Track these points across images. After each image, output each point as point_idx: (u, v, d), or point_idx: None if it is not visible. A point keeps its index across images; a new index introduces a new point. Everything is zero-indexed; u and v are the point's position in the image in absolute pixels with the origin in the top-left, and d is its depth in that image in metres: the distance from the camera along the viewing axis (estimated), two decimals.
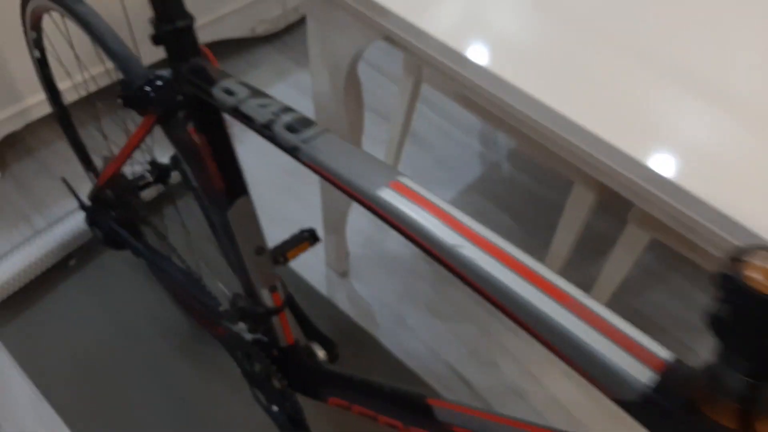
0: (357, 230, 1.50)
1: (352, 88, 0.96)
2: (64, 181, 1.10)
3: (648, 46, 0.68)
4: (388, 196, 0.46)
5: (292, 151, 0.53)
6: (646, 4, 0.73)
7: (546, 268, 0.40)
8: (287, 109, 0.55)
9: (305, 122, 0.54)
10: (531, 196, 1.59)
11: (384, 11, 0.70)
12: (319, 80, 0.97)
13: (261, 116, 0.55)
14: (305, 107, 1.70)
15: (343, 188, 0.49)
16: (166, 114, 0.74)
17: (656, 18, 0.71)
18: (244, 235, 0.78)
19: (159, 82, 0.73)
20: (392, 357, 1.31)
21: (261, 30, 1.81)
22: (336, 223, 1.27)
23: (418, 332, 1.34)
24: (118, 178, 0.99)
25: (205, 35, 1.67)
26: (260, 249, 0.80)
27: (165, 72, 0.75)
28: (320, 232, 1.34)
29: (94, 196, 1.02)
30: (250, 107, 0.57)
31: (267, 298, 0.84)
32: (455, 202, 1.58)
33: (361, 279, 1.42)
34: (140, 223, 1.02)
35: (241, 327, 0.87)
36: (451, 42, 0.66)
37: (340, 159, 0.50)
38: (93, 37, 0.79)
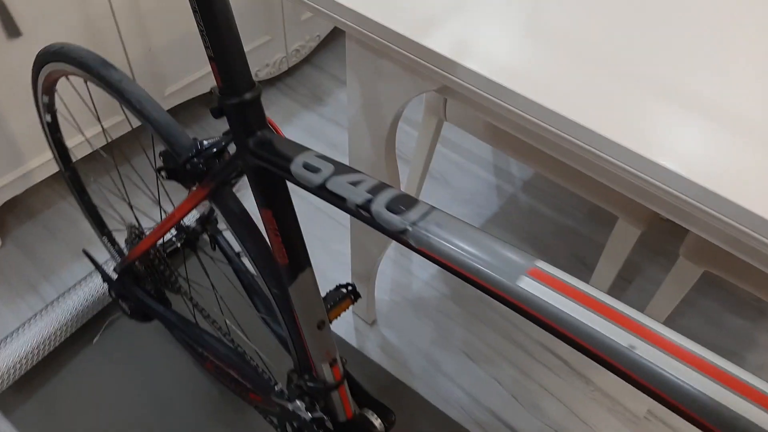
0: (381, 274, 1.44)
1: (391, 141, 0.92)
2: (86, 254, 1.03)
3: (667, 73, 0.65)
4: (530, 287, 0.41)
5: (399, 236, 0.48)
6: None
7: (744, 371, 0.35)
8: (382, 186, 0.51)
9: (407, 200, 0.49)
10: (553, 226, 1.56)
11: (452, 63, 0.66)
12: (359, 134, 0.92)
13: (355, 196, 0.50)
14: (320, 150, 1.66)
15: (469, 278, 0.44)
16: (220, 187, 0.69)
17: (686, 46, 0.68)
18: (306, 311, 0.73)
19: (210, 153, 0.67)
20: (431, 407, 1.25)
21: (263, 74, 1.76)
22: (367, 272, 1.22)
23: (455, 378, 1.29)
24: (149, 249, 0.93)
25: (207, 85, 1.62)
26: (321, 323, 0.75)
27: (213, 140, 0.70)
28: (347, 280, 1.29)
29: (123, 269, 0.95)
30: (340, 185, 0.52)
31: (327, 373, 0.79)
32: None
33: (391, 326, 1.37)
34: (174, 293, 0.96)
35: (297, 405, 0.81)
36: (512, 85, 0.62)
37: (462, 244, 0.45)
38: (129, 106, 0.73)
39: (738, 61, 0.68)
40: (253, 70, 1.73)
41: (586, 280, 1.44)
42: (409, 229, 0.47)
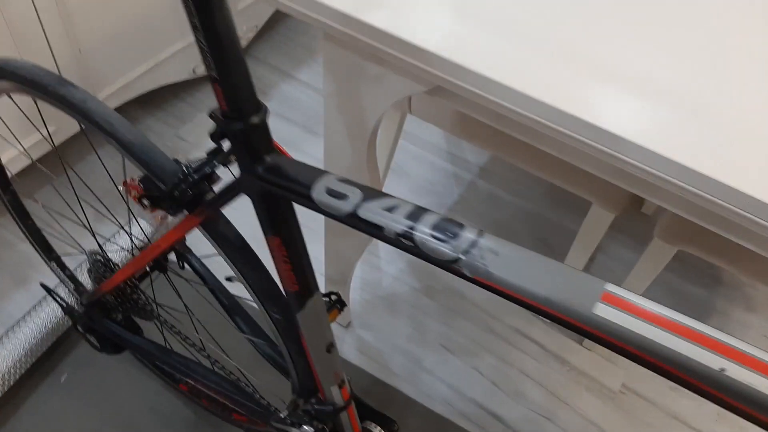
0: None
1: (372, 145, 0.88)
2: (45, 287, 0.93)
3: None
4: (607, 314, 0.40)
5: (449, 265, 0.45)
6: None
7: None
8: (420, 210, 0.47)
9: (452, 225, 0.46)
10: (514, 210, 1.57)
11: (453, 65, 0.63)
12: (337, 140, 0.88)
13: (394, 224, 0.47)
14: None
15: (538, 308, 0.42)
16: (214, 214, 0.63)
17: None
18: (315, 335, 0.68)
19: (199, 177, 0.61)
20: (416, 404, 1.24)
21: (202, 70, 1.66)
22: (343, 277, 1.18)
23: (436, 373, 1.28)
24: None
25: (144, 85, 1.51)
26: (330, 345, 0.71)
27: (198, 162, 0.63)
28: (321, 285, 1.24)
29: (91, 302, 0.86)
30: (374, 212, 0.48)
31: (336, 395, 0.75)
32: None
33: (366, 326, 1.34)
34: (149, 320, 0.88)
35: (305, 430, 0.77)
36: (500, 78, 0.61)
37: (524, 272, 0.42)
38: (96, 128, 0.65)
39: (695, 42, 0.69)
40: (190, 66, 1.63)
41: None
42: (462, 258, 0.44)
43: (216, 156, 0.60)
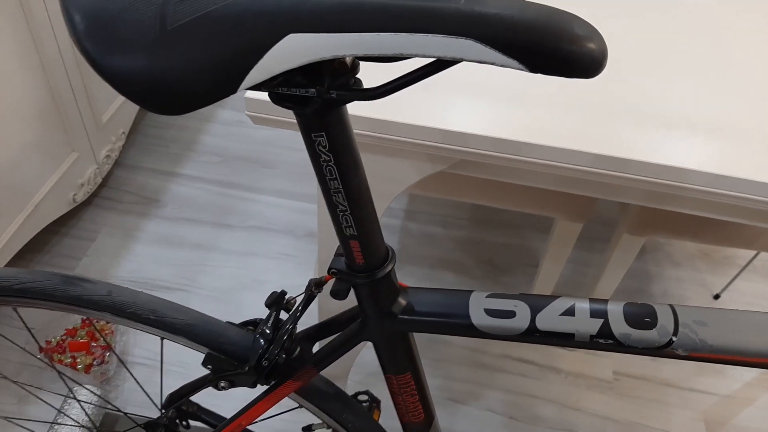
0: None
1: None
2: None
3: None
4: None
5: (662, 351, 0.44)
6: None
7: None
8: (598, 302, 0.46)
9: (640, 308, 0.45)
10: (450, 242, 1.59)
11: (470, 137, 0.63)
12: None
13: (584, 326, 0.44)
14: (195, 257, 1.45)
15: (762, 363, 0.42)
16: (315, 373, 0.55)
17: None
18: None
19: (284, 339, 0.54)
20: None
21: (81, 196, 1.48)
22: (343, 370, 1.11)
23: (455, 428, 1.26)
24: None
25: (26, 234, 1.31)
26: None
27: (267, 321, 0.56)
28: None
29: None
30: (554, 321, 0.45)
31: None
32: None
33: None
34: None
35: None
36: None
37: (737, 334, 0.43)
38: (139, 322, 0.54)
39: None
40: (69, 195, 1.44)
41: (507, 282, 1.51)
42: (674, 339, 0.43)
43: (298, 309, 0.54)
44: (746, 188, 0.63)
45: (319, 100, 0.34)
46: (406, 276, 1.51)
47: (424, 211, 1.67)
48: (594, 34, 0.31)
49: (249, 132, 1.85)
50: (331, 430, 0.67)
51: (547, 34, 0.30)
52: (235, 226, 1.59)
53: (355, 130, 0.65)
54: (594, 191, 0.74)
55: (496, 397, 1.31)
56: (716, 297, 1.50)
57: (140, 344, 1.33)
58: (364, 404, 0.79)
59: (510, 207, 1.12)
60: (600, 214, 1.69)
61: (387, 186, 0.75)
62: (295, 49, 0.31)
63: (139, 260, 1.49)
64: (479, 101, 0.67)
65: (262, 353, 0.54)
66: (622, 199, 0.75)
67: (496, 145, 0.64)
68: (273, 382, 0.56)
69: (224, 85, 0.31)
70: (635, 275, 1.55)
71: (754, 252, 1.51)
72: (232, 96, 0.34)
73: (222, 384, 0.56)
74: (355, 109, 0.64)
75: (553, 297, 0.47)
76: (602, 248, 1.61)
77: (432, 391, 1.29)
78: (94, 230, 1.53)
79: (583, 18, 0.31)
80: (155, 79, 0.31)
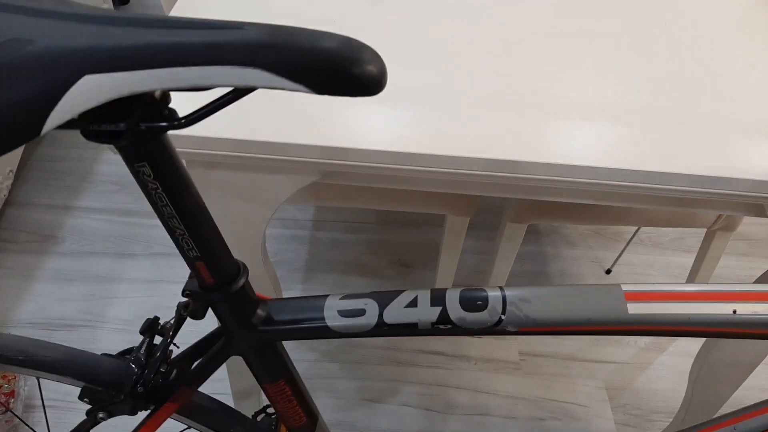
0: (241, 368, 1.33)
1: (263, 248, 0.86)
2: None
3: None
4: (639, 309, 0.47)
5: (494, 329, 0.48)
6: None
7: None
8: (438, 292, 0.50)
9: (474, 293, 0.49)
10: (359, 246, 1.63)
11: (343, 150, 0.66)
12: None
13: (425, 315, 0.49)
14: (106, 289, 1.41)
15: (582, 330, 0.48)
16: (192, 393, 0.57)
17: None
18: None
19: (158, 362, 0.55)
20: None
21: None
22: (255, 385, 1.12)
23: (373, 427, 1.29)
24: None
25: None
26: None
27: (140, 348, 0.57)
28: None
29: None
30: (399, 314, 0.49)
31: None
32: (307, 293, 1.52)
33: None
34: None
35: None
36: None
37: (558, 306, 0.48)
38: (10, 364, 0.54)
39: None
40: None
41: (417, 278, 1.56)
42: (503, 317, 0.48)
43: (151, 331, 0.55)
44: (619, 176, 0.67)
45: (129, 133, 0.36)
46: (317, 284, 1.53)
47: (331, 219, 1.70)
48: (373, 57, 0.34)
49: None
50: None
51: (329, 59, 0.34)
52: (138, 255, 1.56)
53: (217, 152, 0.67)
54: (478, 191, 0.78)
55: (411, 391, 1.35)
56: (608, 272, 1.61)
57: (47, 386, 1.29)
58: (272, 417, 0.81)
59: (400, 209, 1.17)
60: (491, 204, 1.78)
61: (263, 201, 0.77)
62: (91, 89, 0.33)
63: (40, 300, 1.44)
64: (353, 111, 0.71)
65: (137, 379, 0.55)
66: (506, 194, 0.79)
67: (365, 156, 0.67)
68: (152, 407, 0.57)
69: (25, 129, 0.33)
70: (533, 258, 1.64)
71: (635, 227, 1.63)
72: None
73: (100, 415, 0.56)
74: (215, 131, 0.66)
75: (399, 292, 0.51)
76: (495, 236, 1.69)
77: (349, 394, 1.32)
78: None
79: (361, 41, 0.34)
80: None
